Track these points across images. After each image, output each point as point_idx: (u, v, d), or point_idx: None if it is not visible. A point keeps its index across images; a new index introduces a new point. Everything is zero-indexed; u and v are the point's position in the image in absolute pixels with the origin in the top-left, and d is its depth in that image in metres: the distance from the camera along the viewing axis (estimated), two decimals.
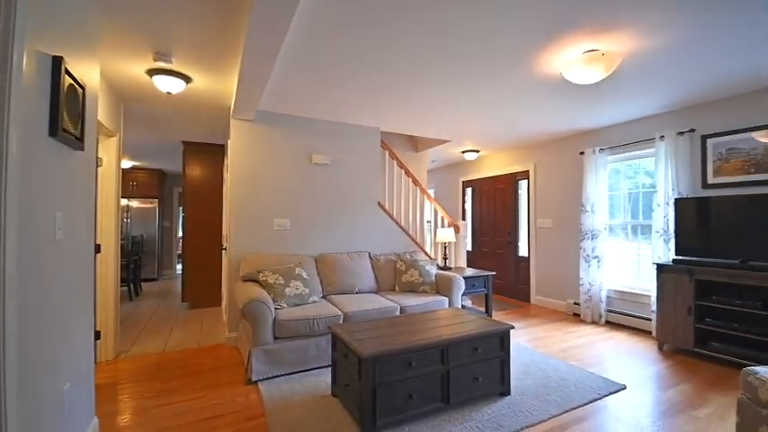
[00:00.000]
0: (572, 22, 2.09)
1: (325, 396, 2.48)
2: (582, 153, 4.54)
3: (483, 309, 4.37)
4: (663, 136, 3.73)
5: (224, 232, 4.31)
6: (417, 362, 2.15)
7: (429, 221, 5.46)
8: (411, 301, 3.37)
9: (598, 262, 4.31)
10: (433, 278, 3.71)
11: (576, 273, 4.68)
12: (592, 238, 4.35)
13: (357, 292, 3.61)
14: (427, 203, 4.95)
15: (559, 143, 4.97)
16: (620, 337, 3.76)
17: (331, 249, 3.97)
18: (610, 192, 4.48)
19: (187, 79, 2.95)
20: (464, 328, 2.41)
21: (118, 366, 3.03)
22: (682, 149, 3.65)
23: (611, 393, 2.52)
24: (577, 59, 2.41)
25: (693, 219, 3.38)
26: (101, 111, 2.83)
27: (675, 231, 3.50)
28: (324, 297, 3.50)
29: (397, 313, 3.20)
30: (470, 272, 4.21)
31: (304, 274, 3.27)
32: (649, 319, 3.84)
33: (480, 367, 2.35)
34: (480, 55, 2.50)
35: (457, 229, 4.89)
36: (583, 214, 4.44)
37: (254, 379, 2.68)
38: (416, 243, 4.46)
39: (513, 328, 2.47)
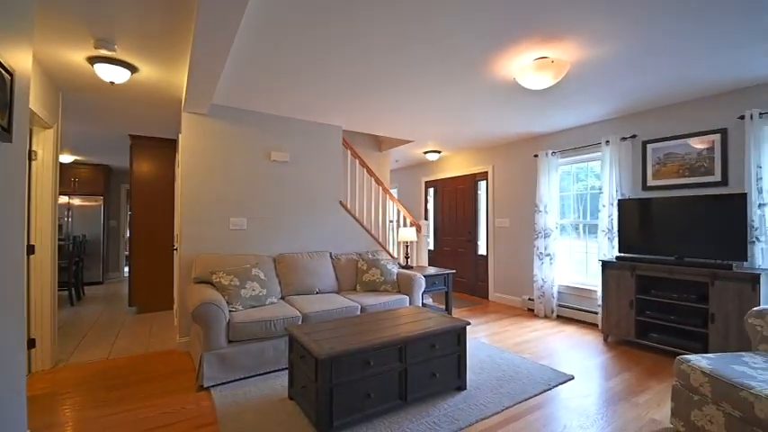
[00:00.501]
0: (523, 29, 2.18)
1: (282, 399, 2.42)
2: (536, 156, 4.75)
3: (444, 306, 4.46)
4: (608, 141, 3.98)
5: (176, 232, 4.09)
6: (376, 361, 2.14)
7: (392, 221, 5.49)
8: (372, 300, 3.37)
9: (550, 259, 4.52)
10: (395, 277, 3.73)
11: (530, 270, 4.90)
12: (545, 237, 4.57)
13: (317, 293, 3.56)
14: (390, 203, 4.98)
15: (516, 146, 5.17)
16: (569, 331, 3.97)
17: (291, 249, 3.89)
18: (562, 193, 4.72)
19: (132, 69, 2.77)
20: (422, 325, 2.44)
21: (56, 376, 2.79)
22: (625, 154, 3.91)
23: (561, 384, 2.65)
24: (529, 66, 2.52)
25: (634, 218, 3.63)
26: (34, 100, 2.59)
27: (619, 230, 3.75)
28: (282, 298, 3.41)
29: (358, 313, 3.19)
30: (431, 270, 4.28)
31: (261, 275, 3.17)
32: (596, 313, 4.09)
33: (438, 363, 2.39)
34: (438, 58, 2.54)
35: (419, 229, 4.96)
36: (537, 214, 4.65)
37: (205, 385, 2.57)
38: (378, 242, 4.46)
39: (469, 324, 2.53)
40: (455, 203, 6.24)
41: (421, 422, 2.13)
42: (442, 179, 6.50)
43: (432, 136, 4.85)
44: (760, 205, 2.98)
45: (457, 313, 4.70)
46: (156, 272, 4.77)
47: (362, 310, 3.23)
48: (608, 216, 3.95)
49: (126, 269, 7.42)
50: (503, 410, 2.28)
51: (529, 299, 4.84)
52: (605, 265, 3.68)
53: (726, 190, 3.26)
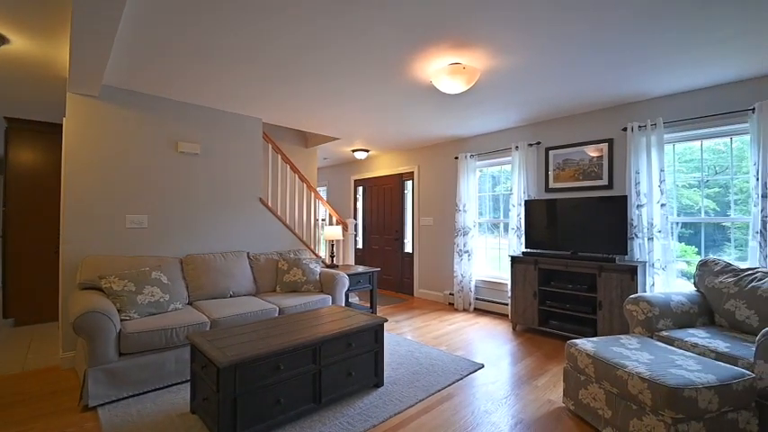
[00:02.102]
0: (437, 33, 2.23)
1: (184, 414, 2.20)
2: (456, 158, 4.98)
3: (369, 304, 4.47)
4: (517, 146, 4.32)
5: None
6: (287, 364, 2.05)
7: (323, 220, 5.37)
8: (292, 301, 3.23)
9: (469, 256, 4.78)
10: (317, 277, 3.63)
11: (451, 266, 5.13)
12: (464, 235, 4.81)
13: (231, 296, 3.32)
14: (316, 201, 4.85)
15: (439, 148, 5.37)
16: (484, 322, 4.23)
17: (202, 250, 3.58)
18: (480, 193, 5.02)
19: (1, 39, 2.32)
20: (340, 325, 2.40)
21: None
22: (531, 158, 4.27)
23: (472, 373, 2.80)
24: (444, 70, 2.61)
25: (538, 217, 3.99)
26: None
27: (525, 228, 4.09)
28: (190, 303, 3.13)
29: (276, 315, 3.04)
30: (357, 269, 4.26)
31: (163, 279, 2.86)
32: (507, 304, 4.41)
33: (354, 362, 2.36)
34: (357, 56, 2.51)
35: (345, 227, 4.91)
36: (457, 213, 4.88)
37: (91, 405, 2.24)
38: (302, 241, 4.32)
39: (386, 321, 2.54)
40: (383, 202, 6.31)
41: (335, 423, 2.08)
42: (370, 178, 6.53)
43: (359, 134, 4.83)
44: (638, 206, 3.44)
45: (382, 310, 4.75)
46: (37, 278, 4.08)
47: (281, 312, 3.08)
48: (517, 215, 4.28)
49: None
50: (417, 403, 2.33)
51: (450, 294, 5.06)
52: (513, 259, 3.99)
53: (611, 192, 3.72)
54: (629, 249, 3.47)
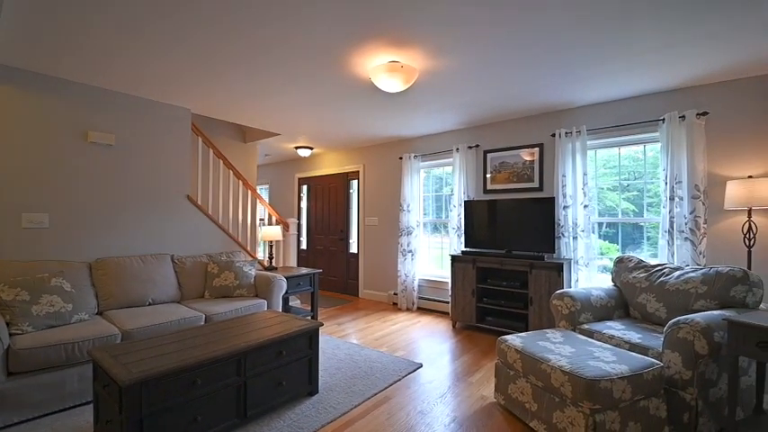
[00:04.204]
0: (374, 26, 2.17)
1: None
2: (401, 158, 4.99)
3: (310, 307, 4.30)
4: (458, 148, 4.42)
5: None
6: (206, 378, 1.86)
7: (262, 219, 5.10)
8: (222, 307, 3.00)
9: (412, 255, 4.81)
10: (252, 280, 3.42)
11: (395, 266, 5.13)
12: (408, 235, 4.83)
13: (150, 304, 3.01)
14: (254, 199, 4.59)
15: (384, 147, 5.35)
16: (426, 321, 4.27)
17: (117, 252, 3.21)
18: (425, 193, 5.08)
19: None
20: (270, 331, 2.25)
21: None
22: (471, 160, 4.39)
23: (410, 373, 2.78)
24: (382, 67, 2.56)
25: (476, 217, 4.10)
26: None
27: (465, 228, 4.19)
28: (100, 313, 2.78)
29: (202, 323, 2.79)
30: (297, 271, 4.08)
31: (66, 286, 2.51)
32: (448, 303, 4.50)
33: (286, 371, 2.23)
34: (292, 48, 2.38)
35: (286, 227, 4.70)
36: (401, 213, 4.89)
37: None
38: (237, 242, 4.06)
39: (321, 325, 2.44)
40: (328, 201, 6.16)
41: None
42: (315, 176, 6.34)
43: (300, 130, 4.65)
44: (564, 207, 3.66)
45: (325, 313, 4.61)
46: None
47: (207, 319, 2.84)
48: (457, 215, 4.37)
49: None
50: (352, 409, 2.25)
51: (394, 294, 5.06)
52: (454, 258, 4.07)
53: (542, 194, 3.93)
54: (556, 248, 3.68)
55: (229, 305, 3.06)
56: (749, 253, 2.76)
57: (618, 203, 3.65)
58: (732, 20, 2.11)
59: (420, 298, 4.83)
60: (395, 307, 4.95)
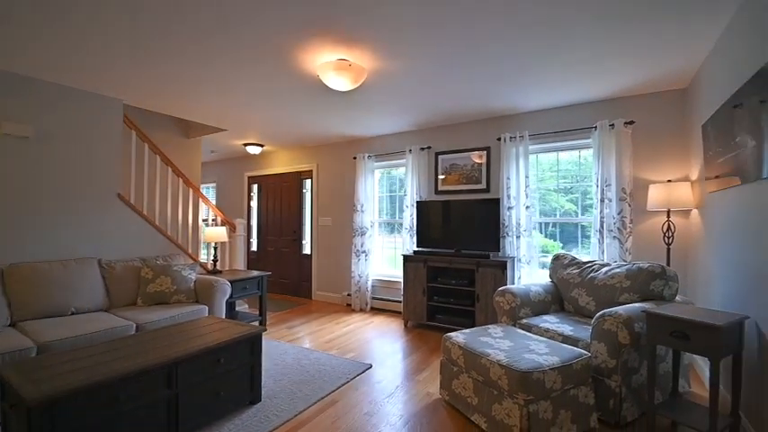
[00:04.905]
0: (320, 21, 2.13)
1: None
2: (355, 158, 4.96)
3: (259, 312, 4.14)
4: (411, 150, 4.47)
5: None
6: (131, 392, 1.72)
7: (205, 220, 4.83)
8: (156, 315, 2.79)
9: (366, 256, 4.79)
10: (191, 285, 3.22)
11: (349, 267, 5.08)
12: (361, 235, 4.81)
13: (73, 313, 2.74)
14: (197, 199, 4.34)
15: (338, 146, 5.30)
16: (378, 321, 4.28)
17: (34, 257, 2.89)
18: (381, 194, 5.09)
19: None
20: (207, 339, 2.12)
21: None
22: (423, 162, 4.46)
23: (359, 374, 2.76)
24: (330, 65, 2.52)
25: (428, 218, 4.18)
26: None
27: (417, 228, 4.25)
28: (12, 324, 2.48)
29: (133, 332, 2.58)
30: (243, 274, 3.91)
31: None
32: (401, 302, 4.53)
33: (224, 380, 2.11)
34: (234, 38, 2.27)
35: (232, 228, 4.50)
36: (355, 213, 4.86)
37: None
38: (176, 245, 3.82)
39: (264, 330, 2.35)
40: (280, 201, 5.98)
41: None
42: (266, 175, 6.13)
43: (248, 127, 4.47)
44: (508, 208, 3.82)
45: (275, 316, 4.47)
46: None
47: (139, 328, 2.63)
48: (410, 215, 4.43)
49: None
50: (296, 416, 2.18)
51: (348, 295, 5.02)
52: (406, 258, 4.11)
53: (488, 196, 4.08)
54: (501, 246, 3.83)
55: (165, 312, 2.86)
56: (668, 250, 3.04)
57: (562, 205, 3.87)
58: (653, 36, 2.31)
59: (374, 298, 4.83)
60: (348, 308, 4.91)
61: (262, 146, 5.42)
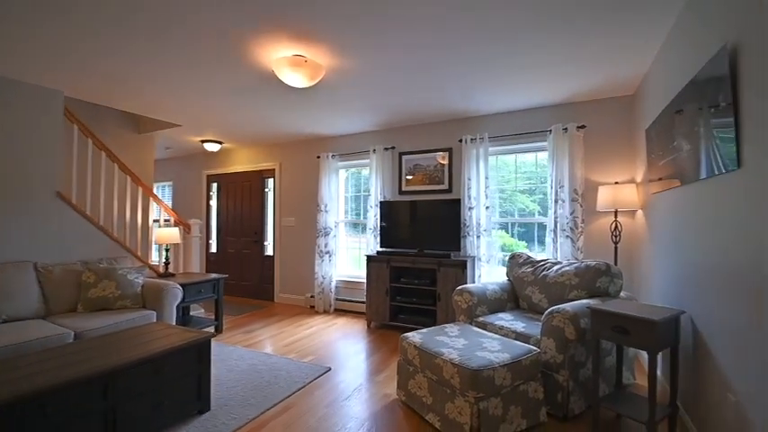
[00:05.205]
0: (274, 15, 2.06)
1: None
2: (318, 157, 4.88)
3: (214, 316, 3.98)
4: (375, 149, 4.45)
5: None
6: (59, 406, 1.58)
7: (156, 220, 4.59)
8: (97, 322, 2.61)
9: (330, 257, 4.73)
10: (138, 289, 3.04)
11: (312, 268, 4.99)
12: (325, 235, 4.74)
13: (5, 321, 2.50)
14: (147, 198, 4.11)
15: (302, 145, 5.19)
16: (342, 323, 4.22)
17: None
18: (347, 193, 5.03)
19: None
20: (149, 347, 2.00)
21: None
22: (387, 162, 4.46)
23: (317, 378, 2.70)
24: (285, 60, 2.45)
25: (392, 218, 4.18)
26: None
27: (381, 228, 4.24)
28: None
29: (71, 341, 2.40)
30: (197, 277, 3.74)
31: None
32: (364, 303, 4.50)
33: (168, 390, 2.00)
34: (186, 24, 2.15)
35: (187, 229, 4.29)
36: (319, 213, 4.78)
37: None
38: (124, 247, 3.59)
39: (213, 336, 2.24)
40: (241, 201, 5.78)
41: None
42: (227, 174, 5.91)
43: (206, 123, 4.29)
44: (469, 208, 3.88)
45: (234, 320, 4.31)
46: None
47: (78, 336, 2.44)
48: (374, 216, 4.41)
49: None
50: (246, 423, 2.10)
51: (311, 296, 4.92)
52: (369, 259, 4.08)
53: (450, 196, 4.13)
54: (462, 246, 3.89)
55: (108, 319, 2.68)
56: (616, 249, 3.19)
57: (527, 205, 3.97)
58: (601, 45, 2.41)
59: (337, 299, 4.77)
60: (312, 310, 4.82)
61: (221, 143, 5.23)
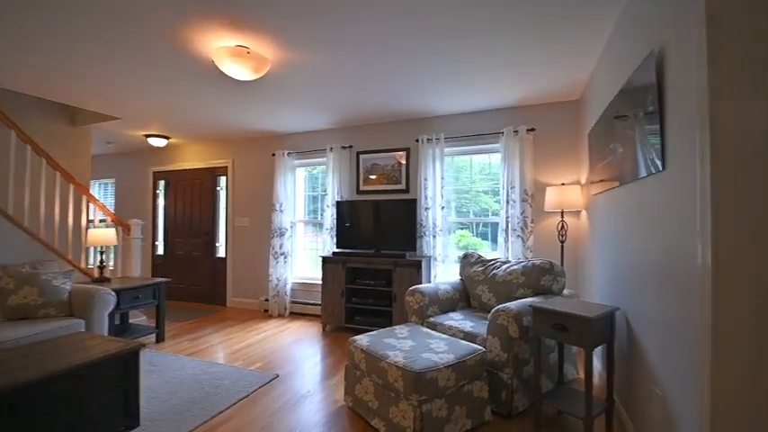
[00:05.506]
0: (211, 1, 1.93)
1: None
2: (273, 155, 4.71)
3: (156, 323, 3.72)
4: (332, 148, 4.36)
5: None
6: None
7: (95, 220, 4.23)
8: (13, 332, 2.33)
9: (285, 258, 4.57)
10: (65, 296, 2.76)
11: (267, 270, 4.81)
12: (281, 236, 4.58)
13: None
14: (80, 196, 3.78)
15: (256, 142, 4.99)
16: (296, 326, 4.09)
17: None
18: (300, 193, 4.88)
19: None
20: (68, 360, 1.80)
21: None
22: (345, 161, 4.38)
23: (262, 386, 2.57)
24: (226, 50, 2.31)
25: (348, 218, 4.10)
26: None
27: (337, 228, 4.15)
28: None
29: None
30: (134, 282, 3.48)
31: None
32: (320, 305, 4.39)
33: (86, 407, 1.81)
34: (114, 7, 1.96)
35: (126, 230, 3.99)
36: (274, 213, 4.61)
37: None
38: (52, 249, 3.27)
39: (142, 346, 2.07)
40: (191, 200, 5.47)
41: None
42: (175, 171, 5.58)
43: (150, 116, 4.01)
44: (426, 208, 3.89)
45: (180, 327, 4.06)
46: None
47: None
48: (331, 216, 4.31)
49: None
50: None
51: (265, 300, 4.74)
52: (325, 260, 3.98)
53: (407, 196, 4.12)
54: (418, 246, 3.89)
55: (27, 329, 2.41)
56: (562, 248, 3.31)
57: (491, 205, 4.01)
58: (546, 51, 2.47)
59: (293, 302, 4.62)
60: (266, 314, 4.64)
61: (167, 138, 4.91)
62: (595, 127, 2.56)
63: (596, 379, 2.60)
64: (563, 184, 3.39)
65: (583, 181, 3.26)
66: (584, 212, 3.30)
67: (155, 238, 5.72)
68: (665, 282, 1.48)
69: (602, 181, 2.47)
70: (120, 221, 3.90)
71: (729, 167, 1.08)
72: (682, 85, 1.30)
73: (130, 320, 3.84)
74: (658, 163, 1.49)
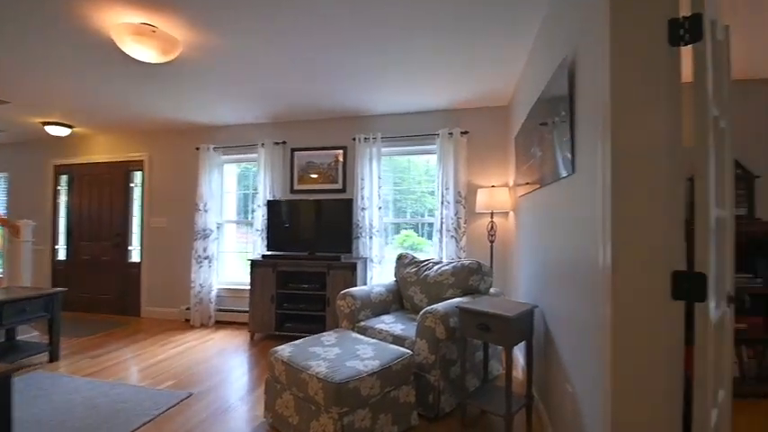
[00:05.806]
0: None
1: None
2: (198, 149, 4.33)
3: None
4: (263, 144, 4.10)
5: None
6: None
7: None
8: None
9: (209, 262, 4.22)
10: None
11: (189, 275, 4.39)
12: (204, 238, 4.22)
13: None
14: None
15: (177, 134, 4.55)
16: (220, 337, 3.78)
17: None
18: (228, 192, 4.54)
19: None
20: None
21: None
22: (277, 158, 4.14)
23: (171, 407, 2.29)
24: (127, 27, 2.03)
25: (281, 218, 3.88)
26: None
27: (268, 229, 3.91)
28: None
29: None
30: (23, 292, 2.96)
31: None
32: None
33: None
34: None
35: (15, 231, 3.40)
36: (197, 213, 4.24)
37: None
38: None
39: (14, 371, 1.72)
40: (99, 197, 4.84)
41: None
42: (81, 164, 4.90)
43: (47, 101, 3.46)
44: (362, 209, 3.80)
45: (81, 343, 3.54)
46: None
47: None
48: (262, 216, 4.05)
49: None
50: None
51: (186, 308, 4.32)
52: (253, 263, 3.72)
53: (344, 196, 4.00)
54: (354, 247, 3.79)
55: None
56: (491, 248, 3.41)
57: (435, 206, 3.99)
58: (474, 57, 2.50)
59: (219, 310, 4.27)
60: (187, 324, 4.23)
61: (70, 127, 4.30)
62: (520, 131, 2.66)
63: (520, 375, 2.69)
64: (493, 186, 3.50)
65: (511, 183, 3.39)
66: (511, 213, 3.44)
67: (55, 241, 4.98)
68: (574, 281, 1.53)
69: (526, 183, 2.56)
70: (5, 221, 3.32)
71: (627, 174, 1.11)
72: (589, 95, 1.34)
73: (18, 337, 3.27)
74: (570, 167, 1.54)
